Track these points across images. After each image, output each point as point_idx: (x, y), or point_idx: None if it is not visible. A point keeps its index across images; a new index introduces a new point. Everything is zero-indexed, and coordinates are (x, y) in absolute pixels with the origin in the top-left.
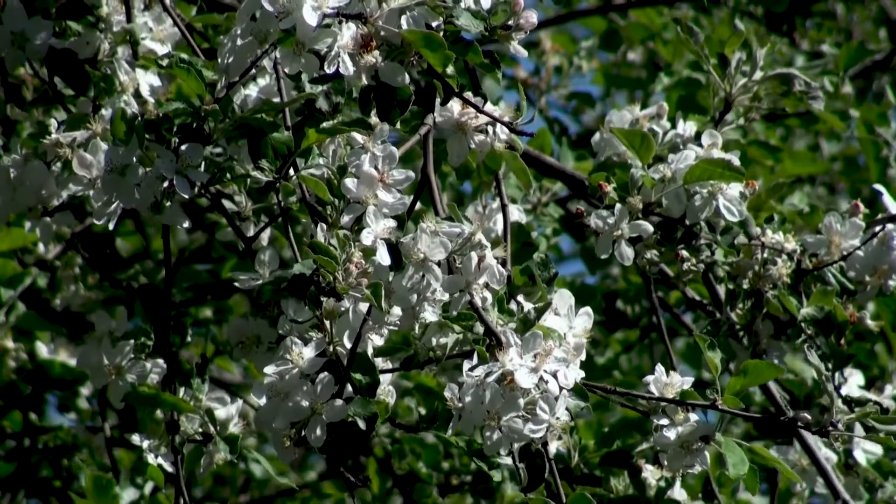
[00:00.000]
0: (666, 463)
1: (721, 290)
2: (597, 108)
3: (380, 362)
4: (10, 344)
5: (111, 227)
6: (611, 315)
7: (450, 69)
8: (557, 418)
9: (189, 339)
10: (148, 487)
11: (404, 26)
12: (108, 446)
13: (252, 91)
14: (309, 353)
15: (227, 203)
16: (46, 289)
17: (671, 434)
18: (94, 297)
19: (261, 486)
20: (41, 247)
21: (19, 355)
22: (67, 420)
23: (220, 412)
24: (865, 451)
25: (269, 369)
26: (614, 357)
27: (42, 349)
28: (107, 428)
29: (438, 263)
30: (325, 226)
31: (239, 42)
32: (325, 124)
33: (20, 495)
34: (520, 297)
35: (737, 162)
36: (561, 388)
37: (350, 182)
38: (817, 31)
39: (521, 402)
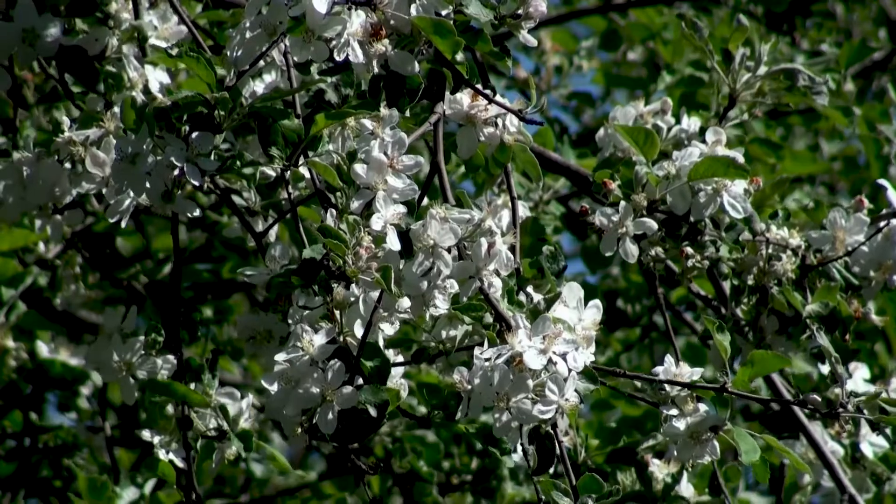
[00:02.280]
0: (675, 454)
1: (726, 286)
2: (597, 107)
3: (391, 354)
4: (10, 343)
5: (123, 224)
6: (611, 314)
7: (459, 56)
8: (567, 400)
9: (199, 335)
10: (148, 487)
11: (414, 14)
12: (109, 446)
13: (259, 87)
14: (319, 340)
15: (235, 199)
16: (47, 288)
17: (680, 424)
18: (94, 296)
19: (261, 485)
20: (42, 246)
21: (20, 354)
22: (68, 420)
23: (231, 408)
24: (872, 444)
25: (280, 357)
26: (615, 356)
27: (42, 348)
28: (107, 428)
29: (448, 250)
30: (334, 211)
31: (248, 35)
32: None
33: (20, 495)
34: (529, 289)
35: (741, 159)
36: (570, 370)
37: (360, 167)
38: (817, 30)
39: (531, 383)
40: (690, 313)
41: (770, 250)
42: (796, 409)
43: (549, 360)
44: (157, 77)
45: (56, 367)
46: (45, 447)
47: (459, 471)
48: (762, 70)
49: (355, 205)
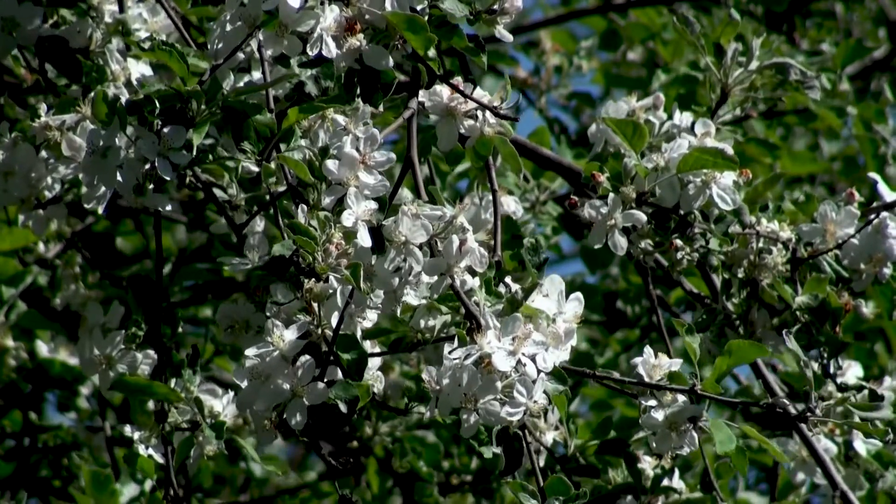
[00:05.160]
0: (654, 445)
1: (716, 279)
2: (597, 107)
3: (368, 346)
4: (10, 342)
5: (101, 210)
6: (611, 315)
7: (431, 52)
8: (535, 402)
9: (180, 329)
10: (148, 484)
11: (388, 9)
12: (108, 446)
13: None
14: (290, 335)
15: (218, 193)
16: (47, 287)
17: (658, 415)
18: (94, 295)
19: (261, 485)
20: (42, 245)
21: (19, 354)
22: (67, 419)
23: (215, 404)
24: (865, 441)
25: (250, 351)
26: (614, 357)
27: (42, 348)
28: (107, 427)
29: (420, 246)
30: (305, 207)
31: (228, 27)
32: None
33: (20, 495)
34: (507, 279)
35: (730, 150)
36: (539, 372)
37: (331, 163)
38: (817, 30)
39: (499, 384)
40: (689, 313)
41: (760, 243)
42: (789, 406)
43: (519, 362)
44: (139, 70)
45: (56, 367)
46: (44, 447)
47: (459, 471)
48: (754, 65)
49: (326, 201)
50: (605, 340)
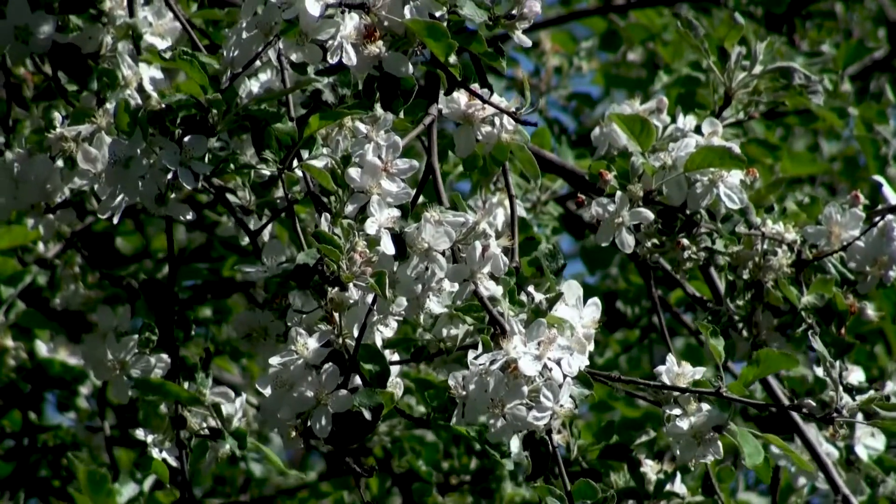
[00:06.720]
0: (678, 453)
1: (721, 281)
2: (597, 108)
3: (388, 354)
4: (9, 342)
5: (115, 221)
6: (611, 315)
7: (452, 58)
8: (561, 406)
9: (193, 333)
10: (147, 484)
11: (408, 16)
12: (108, 446)
13: (254, 86)
14: (314, 343)
15: (230, 197)
16: (46, 287)
17: (684, 424)
18: (93, 295)
19: (260, 485)
20: (41, 245)
21: (19, 354)
22: (67, 419)
23: (225, 408)
24: (867, 446)
25: (274, 360)
26: (614, 357)
27: (41, 348)
28: (106, 427)
29: (443, 253)
30: (329, 216)
31: (245, 35)
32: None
33: (20, 495)
34: (530, 288)
35: (737, 149)
36: (565, 376)
37: (354, 171)
38: (817, 31)
39: (525, 389)
40: (689, 314)
41: (766, 245)
42: (792, 411)
43: (545, 366)
44: (150, 74)
45: (55, 367)
46: (44, 447)
47: (458, 471)
48: (758, 69)
49: (349, 209)
50: (605, 341)
